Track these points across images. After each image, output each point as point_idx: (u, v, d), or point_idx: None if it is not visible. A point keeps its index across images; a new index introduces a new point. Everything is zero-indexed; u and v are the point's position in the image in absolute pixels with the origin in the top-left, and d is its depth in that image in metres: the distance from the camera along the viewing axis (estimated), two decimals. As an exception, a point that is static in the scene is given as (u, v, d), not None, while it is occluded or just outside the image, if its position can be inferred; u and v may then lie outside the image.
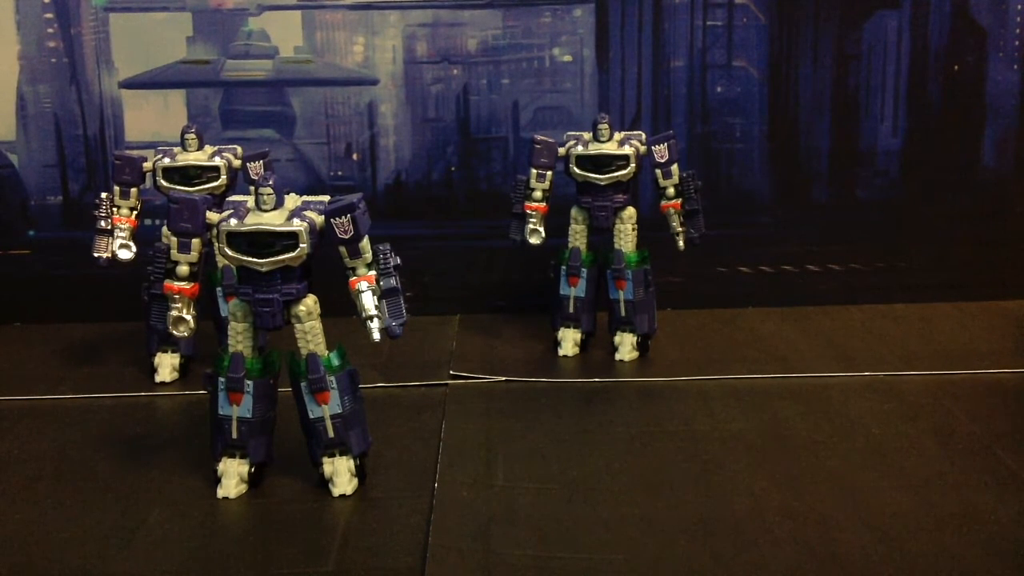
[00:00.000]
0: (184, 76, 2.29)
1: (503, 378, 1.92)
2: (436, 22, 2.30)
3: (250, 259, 1.39)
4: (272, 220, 1.38)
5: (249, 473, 1.47)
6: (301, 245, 1.38)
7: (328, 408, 1.44)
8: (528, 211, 1.96)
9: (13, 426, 1.74)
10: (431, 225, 2.35)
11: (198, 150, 1.85)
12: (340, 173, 2.33)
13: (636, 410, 1.77)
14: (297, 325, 1.43)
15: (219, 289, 1.89)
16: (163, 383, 1.92)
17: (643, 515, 1.39)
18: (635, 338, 1.99)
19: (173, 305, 1.43)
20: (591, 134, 1.93)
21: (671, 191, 1.97)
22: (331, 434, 1.44)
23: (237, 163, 1.87)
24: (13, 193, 2.31)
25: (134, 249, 1.82)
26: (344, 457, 1.46)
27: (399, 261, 1.42)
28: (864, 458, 1.56)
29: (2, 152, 2.30)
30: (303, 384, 1.44)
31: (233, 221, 1.38)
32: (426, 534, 1.34)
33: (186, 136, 1.84)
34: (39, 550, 1.33)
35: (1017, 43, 2.32)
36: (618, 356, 1.99)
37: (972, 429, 1.66)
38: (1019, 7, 2.31)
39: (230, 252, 1.39)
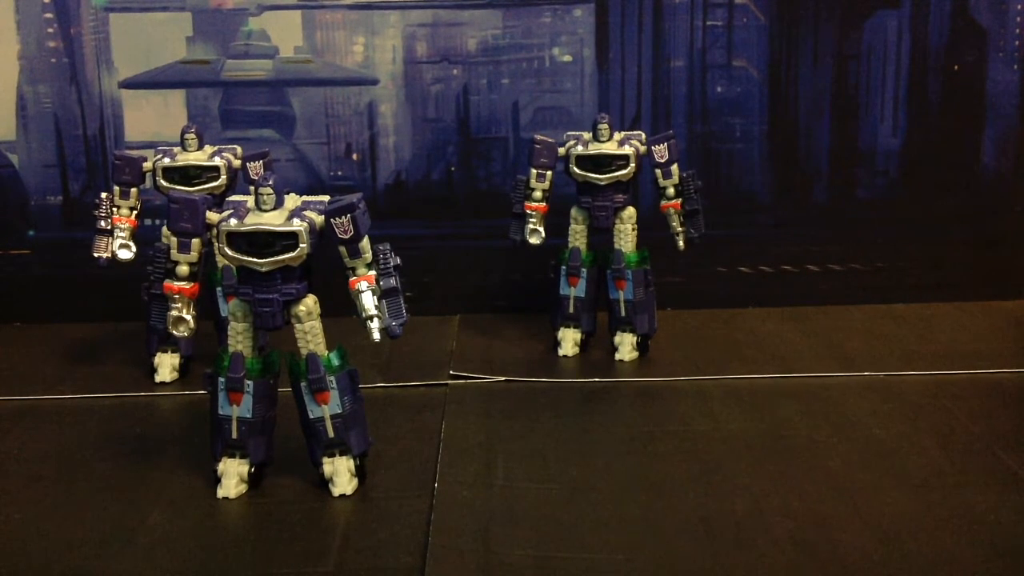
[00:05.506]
0: (184, 76, 2.29)
1: (503, 378, 1.92)
2: (436, 22, 2.30)
3: (250, 259, 1.39)
4: (272, 220, 1.38)
5: (249, 473, 1.47)
6: (301, 245, 1.38)
7: (328, 408, 1.44)
8: (528, 211, 1.96)
9: (13, 426, 1.74)
10: (431, 225, 2.35)
11: (198, 150, 1.85)
12: (340, 173, 2.33)
13: (636, 410, 1.77)
14: (297, 325, 1.43)
15: (219, 289, 1.89)
16: (163, 383, 1.92)
17: (643, 515, 1.39)
18: (635, 338, 1.99)
19: (173, 305, 1.43)
20: (591, 134, 1.93)
21: (671, 191, 1.97)
22: (331, 434, 1.44)
23: (237, 163, 1.87)
24: (13, 193, 2.31)
25: (134, 249, 1.82)
26: (344, 457, 1.46)
27: (399, 261, 1.42)
28: (864, 458, 1.56)
29: (2, 152, 2.30)
30: (303, 384, 1.44)
31: (233, 221, 1.38)
32: (426, 534, 1.34)
33: (186, 136, 1.84)
34: (39, 550, 1.33)
35: (1017, 43, 2.32)
36: (618, 356, 1.99)
37: (972, 429, 1.66)
38: (1019, 7, 2.31)
39: (230, 252, 1.39)
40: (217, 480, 1.47)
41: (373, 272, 1.41)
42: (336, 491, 1.46)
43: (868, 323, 2.22)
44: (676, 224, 1.98)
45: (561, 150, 1.95)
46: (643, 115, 2.32)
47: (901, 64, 2.33)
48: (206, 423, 1.49)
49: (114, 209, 1.82)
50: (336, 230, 1.39)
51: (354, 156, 2.33)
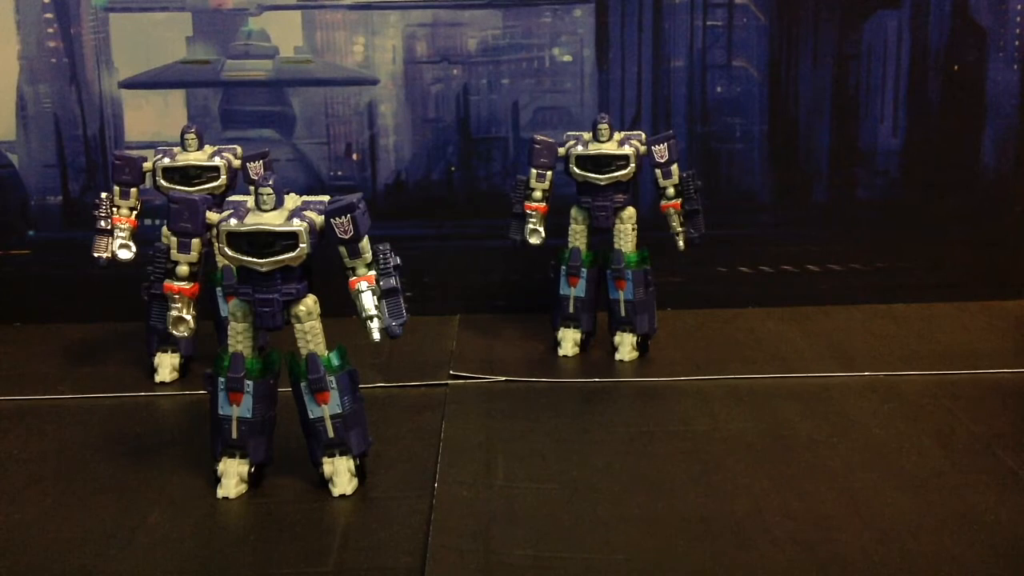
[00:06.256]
0: (184, 76, 2.29)
1: (503, 378, 1.92)
2: (436, 22, 2.30)
3: (250, 259, 1.39)
4: (272, 220, 1.38)
5: (249, 473, 1.47)
6: (301, 245, 1.38)
7: (328, 408, 1.44)
8: (528, 211, 1.96)
9: (13, 426, 1.74)
10: (431, 225, 2.35)
11: (198, 150, 1.85)
12: (340, 173, 2.33)
13: (636, 410, 1.77)
14: (297, 325, 1.43)
15: (219, 289, 1.90)
16: (163, 383, 1.92)
17: (643, 515, 1.39)
18: (635, 338, 1.99)
19: (173, 305, 1.43)
20: (591, 134, 1.93)
21: (671, 191, 1.97)
22: (331, 434, 1.44)
23: (237, 163, 1.87)
24: (13, 193, 2.31)
25: (134, 249, 1.82)
26: (344, 457, 1.46)
27: (399, 261, 1.42)
28: (864, 458, 1.56)
29: (2, 152, 2.30)
30: (303, 384, 1.44)
31: (233, 221, 1.38)
32: (426, 534, 1.34)
33: (186, 136, 1.84)
34: (39, 550, 1.33)
35: (1017, 43, 2.32)
36: (618, 356, 1.99)
37: (972, 429, 1.66)
38: (1019, 7, 2.31)
39: (230, 252, 1.39)
40: (217, 480, 1.47)
41: (373, 272, 1.41)
42: (336, 491, 1.46)
43: (868, 323, 2.22)
44: (676, 224, 1.98)
45: (561, 150, 1.95)
46: (643, 115, 2.32)
47: (901, 64, 2.33)
48: (206, 423, 1.49)
49: (114, 209, 1.82)
50: (336, 230, 1.39)
51: (354, 156, 2.33)
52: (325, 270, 1.44)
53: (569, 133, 1.98)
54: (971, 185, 2.37)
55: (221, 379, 1.45)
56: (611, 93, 2.31)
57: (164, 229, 1.55)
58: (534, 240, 1.97)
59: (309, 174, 2.32)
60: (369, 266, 1.41)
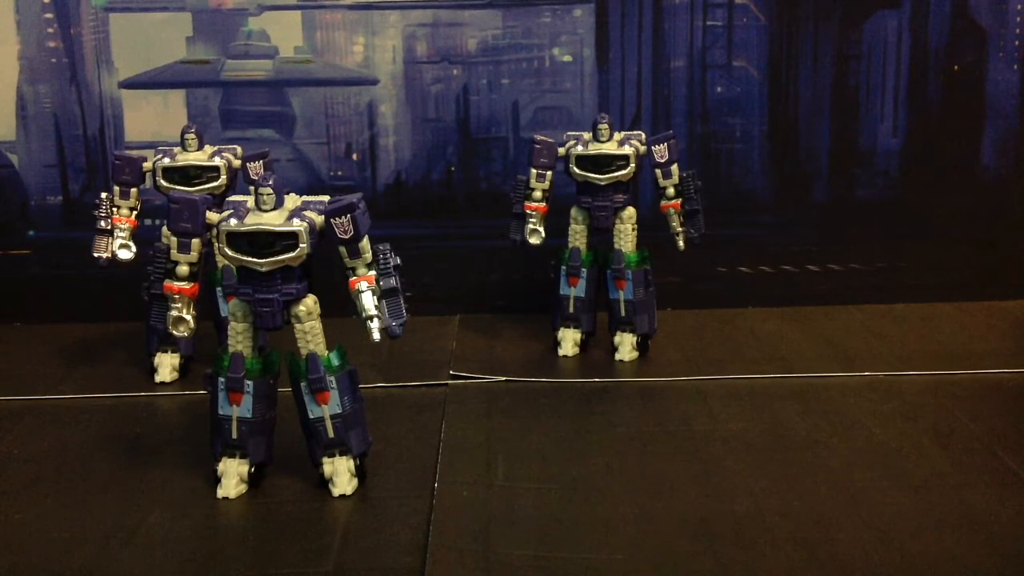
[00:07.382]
0: (184, 76, 2.29)
1: (503, 378, 1.92)
2: (436, 22, 2.30)
3: (250, 259, 1.39)
4: (272, 220, 1.38)
5: (249, 473, 1.47)
6: (301, 245, 1.38)
7: (328, 408, 1.44)
8: (528, 211, 1.96)
9: (13, 426, 1.74)
10: (431, 225, 2.35)
11: (198, 150, 1.85)
12: (340, 173, 2.33)
13: (636, 410, 1.77)
14: (297, 325, 1.43)
15: (219, 289, 1.90)
16: (163, 383, 1.92)
17: (643, 515, 1.39)
18: (635, 338, 1.99)
19: (173, 305, 1.43)
20: (591, 134, 1.93)
21: (671, 191, 1.97)
22: (331, 434, 1.44)
23: (237, 163, 1.87)
24: (13, 193, 2.31)
25: (134, 249, 1.82)
26: (344, 457, 1.46)
27: (399, 261, 1.42)
28: (864, 458, 1.56)
29: (2, 152, 2.30)
30: (303, 384, 1.44)
31: (233, 221, 1.39)
32: (426, 534, 1.34)
33: (186, 136, 1.84)
34: (39, 550, 1.33)
35: (1017, 43, 2.32)
36: (618, 356, 1.99)
37: (972, 429, 1.66)
38: (1019, 7, 2.31)
39: (230, 252, 1.39)
40: (217, 480, 1.47)
41: (373, 272, 1.41)
42: (336, 491, 1.46)
43: (868, 323, 2.22)
44: (676, 224, 1.98)
45: (561, 150, 1.95)
46: (643, 115, 2.32)
47: (901, 64, 2.33)
48: (206, 423, 1.49)
49: (114, 209, 1.82)
50: (336, 230, 1.39)
51: (354, 156, 2.33)
52: (325, 270, 1.44)
53: (569, 133, 1.98)
54: (971, 185, 2.37)
55: (221, 379, 1.45)
56: (611, 93, 2.31)
57: (164, 229, 1.55)
58: (534, 240, 1.97)
59: (309, 174, 2.32)
60: (369, 266, 1.41)
